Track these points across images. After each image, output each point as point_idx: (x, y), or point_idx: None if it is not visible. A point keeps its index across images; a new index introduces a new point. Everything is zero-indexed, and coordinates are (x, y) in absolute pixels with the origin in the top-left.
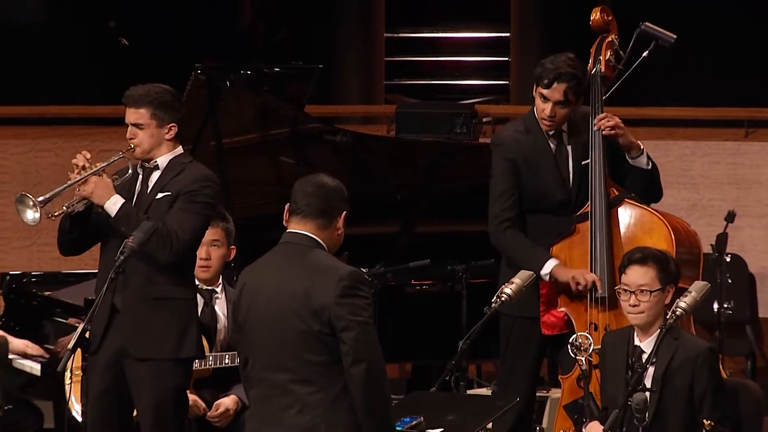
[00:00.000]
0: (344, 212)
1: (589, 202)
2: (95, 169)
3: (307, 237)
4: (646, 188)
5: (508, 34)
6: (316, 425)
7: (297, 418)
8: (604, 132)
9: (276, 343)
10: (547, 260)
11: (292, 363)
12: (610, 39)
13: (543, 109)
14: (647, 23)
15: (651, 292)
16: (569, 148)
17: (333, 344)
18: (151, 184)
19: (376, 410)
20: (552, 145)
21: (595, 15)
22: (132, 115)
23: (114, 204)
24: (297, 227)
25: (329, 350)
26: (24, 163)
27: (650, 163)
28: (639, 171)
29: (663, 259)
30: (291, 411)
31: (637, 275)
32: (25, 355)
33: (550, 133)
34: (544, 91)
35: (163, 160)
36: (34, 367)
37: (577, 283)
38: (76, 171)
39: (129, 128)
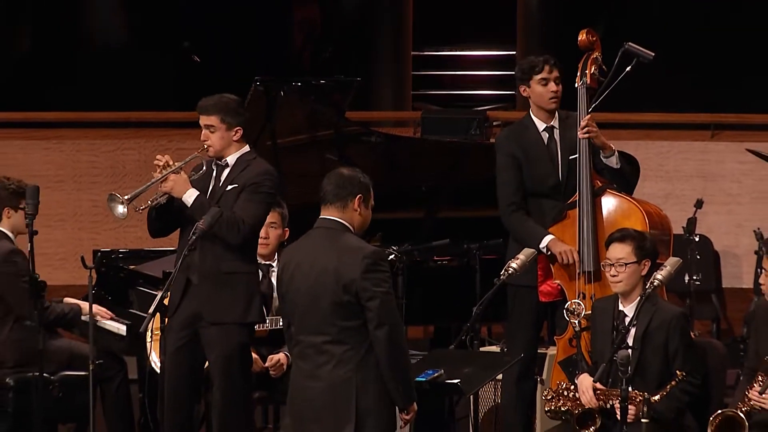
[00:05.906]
0: (358, 195)
1: (577, 192)
2: (174, 167)
3: (334, 221)
4: (617, 183)
5: (514, 52)
6: (350, 378)
7: (333, 372)
8: (579, 135)
9: (313, 312)
10: (545, 236)
11: (327, 328)
12: (594, 56)
13: (549, 89)
14: (630, 43)
15: (626, 264)
16: (558, 142)
17: (360, 311)
18: (222, 179)
19: (398, 363)
20: (544, 139)
21: (582, 36)
22: (204, 120)
23: (190, 196)
24: (325, 213)
25: (357, 316)
26: (112, 159)
27: (619, 164)
28: (609, 169)
29: (639, 238)
30: (327, 366)
31: (617, 251)
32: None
33: (543, 127)
34: (543, 75)
35: (232, 159)
36: (121, 328)
37: (563, 257)
38: (158, 170)
39: (202, 132)
